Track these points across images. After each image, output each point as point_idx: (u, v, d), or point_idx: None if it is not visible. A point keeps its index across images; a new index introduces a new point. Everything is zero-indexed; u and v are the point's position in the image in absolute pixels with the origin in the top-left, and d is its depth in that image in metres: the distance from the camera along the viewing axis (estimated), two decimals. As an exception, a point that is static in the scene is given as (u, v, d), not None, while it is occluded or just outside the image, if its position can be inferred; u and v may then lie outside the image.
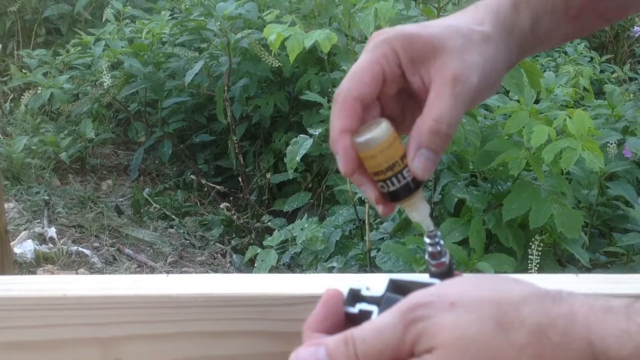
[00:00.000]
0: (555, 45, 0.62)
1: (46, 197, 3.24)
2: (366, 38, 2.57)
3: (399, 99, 0.56)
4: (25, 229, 2.90)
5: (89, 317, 0.82)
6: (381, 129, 0.51)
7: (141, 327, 0.82)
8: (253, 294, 0.82)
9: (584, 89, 3.55)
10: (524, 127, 2.05)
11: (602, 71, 4.51)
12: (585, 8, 0.59)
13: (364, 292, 0.50)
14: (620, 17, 0.63)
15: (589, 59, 4.53)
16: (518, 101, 2.37)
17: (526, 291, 0.40)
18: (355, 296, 0.50)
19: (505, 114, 2.36)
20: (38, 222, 3.00)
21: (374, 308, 0.47)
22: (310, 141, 2.43)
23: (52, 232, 2.88)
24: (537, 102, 2.90)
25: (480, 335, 0.39)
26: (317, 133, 2.53)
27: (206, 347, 0.83)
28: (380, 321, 0.43)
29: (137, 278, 0.87)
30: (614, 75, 3.97)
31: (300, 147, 2.41)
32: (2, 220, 1.01)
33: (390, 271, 2.14)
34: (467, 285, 0.42)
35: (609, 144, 2.45)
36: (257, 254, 2.58)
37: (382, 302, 0.47)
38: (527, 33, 0.57)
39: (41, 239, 2.86)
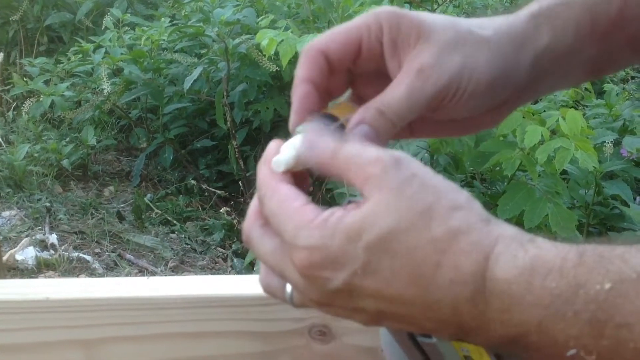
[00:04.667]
0: (578, 74, 0.57)
1: (48, 204, 3.27)
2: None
3: (376, 81, 0.53)
4: (27, 236, 2.92)
5: (72, 319, 0.83)
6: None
7: (123, 328, 0.84)
8: (231, 294, 0.83)
9: (585, 89, 3.55)
10: (517, 127, 2.06)
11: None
12: (612, 28, 0.55)
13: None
14: None
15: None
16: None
17: (466, 204, 0.42)
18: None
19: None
20: (40, 229, 3.03)
21: None
22: (307, 145, 2.44)
23: (53, 238, 2.91)
24: (536, 102, 2.91)
25: (409, 208, 0.41)
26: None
27: (187, 347, 0.84)
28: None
29: (119, 281, 0.88)
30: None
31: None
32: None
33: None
34: (435, 177, 0.43)
35: (605, 144, 2.45)
36: (256, 257, 2.59)
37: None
38: (544, 49, 0.53)
39: (42, 245, 2.89)
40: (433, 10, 2.19)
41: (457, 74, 0.49)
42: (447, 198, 0.42)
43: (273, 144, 0.49)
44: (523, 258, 0.39)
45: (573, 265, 0.38)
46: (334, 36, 0.51)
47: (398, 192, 0.41)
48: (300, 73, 0.51)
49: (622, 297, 0.36)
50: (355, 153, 0.44)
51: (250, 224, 0.48)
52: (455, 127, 0.56)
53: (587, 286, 0.37)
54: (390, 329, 0.49)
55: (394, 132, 0.49)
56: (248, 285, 0.85)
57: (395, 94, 0.49)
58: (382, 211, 0.41)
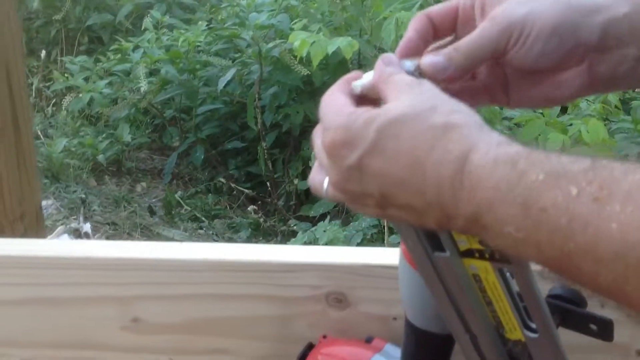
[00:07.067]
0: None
1: (83, 196, 3.38)
2: (390, 48, 2.64)
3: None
4: (62, 224, 3.03)
5: (110, 277, 0.91)
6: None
7: (156, 288, 0.91)
8: (256, 260, 0.89)
9: (615, 106, 3.55)
10: (539, 134, 2.11)
11: (636, 89, 4.50)
12: None
13: None
14: None
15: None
16: (542, 114, 2.43)
17: (466, 112, 0.50)
18: None
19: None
20: (74, 219, 3.14)
21: None
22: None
23: (87, 227, 3.02)
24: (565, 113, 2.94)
25: (419, 105, 0.51)
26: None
27: (212, 308, 0.90)
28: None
29: (155, 245, 0.96)
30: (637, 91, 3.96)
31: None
32: (37, 197, 1.11)
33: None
34: (448, 97, 0.52)
35: (628, 157, 2.48)
36: (281, 254, 2.66)
37: None
38: (622, 17, 0.57)
39: (77, 234, 2.99)
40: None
41: (521, 19, 0.56)
42: (451, 104, 0.51)
43: (353, 72, 0.59)
44: (493, 152, 0.47)
45: (523, 159, 0.46)
46: (436, 5, 0.62)
47: (413, 96, 0.51)
48: (408, 28, 0.61)
49: (547, 186, 0.44)
50: (400, 78, 0.54)
51: (315, 131, 0.57)
52: (539, 87, 0.61)
53: (526, 176, 0.45)
54: (407, 244, 0.56)
55: (465, 65, 0.57)
56: (272, 252, 0.92)
57: (469, 35, 0.58)
58: (397, 104, 0.51)
